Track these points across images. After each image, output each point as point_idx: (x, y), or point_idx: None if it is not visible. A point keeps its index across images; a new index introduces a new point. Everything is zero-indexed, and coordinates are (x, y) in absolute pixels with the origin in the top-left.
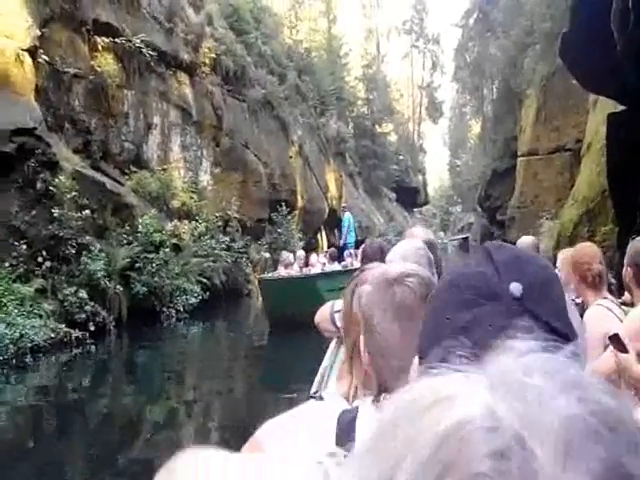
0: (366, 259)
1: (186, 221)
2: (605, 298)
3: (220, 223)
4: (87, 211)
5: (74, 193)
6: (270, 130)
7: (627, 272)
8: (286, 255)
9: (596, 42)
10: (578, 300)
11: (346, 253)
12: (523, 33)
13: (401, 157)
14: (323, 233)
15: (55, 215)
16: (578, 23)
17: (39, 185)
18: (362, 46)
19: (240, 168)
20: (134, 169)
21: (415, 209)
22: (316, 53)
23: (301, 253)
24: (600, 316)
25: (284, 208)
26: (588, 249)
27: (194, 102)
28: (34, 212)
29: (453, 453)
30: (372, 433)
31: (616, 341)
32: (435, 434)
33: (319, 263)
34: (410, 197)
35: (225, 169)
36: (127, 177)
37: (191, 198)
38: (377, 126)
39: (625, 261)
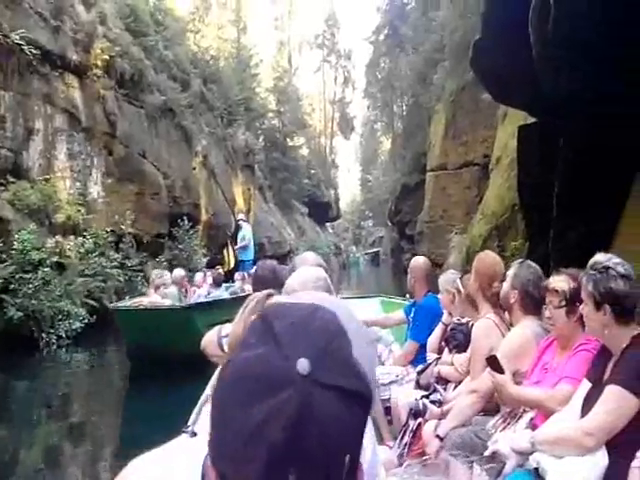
0: (258, 283)
1: (72, 237)
2: (495, 313)
3: (112, 239)
4: None
5: None
6: (171, 139)
7: (511, 294)
8: (157, 274)
9: (509, 50)
10: (463, 320)
11: (237, 275)
12: (433, 49)
13: (313, 171)
14: (230, 249)
15: None
16: (490, 30)
17: None
18: (273, 58)
19: (136, 179)
20: (11, 179)
21: (327, 223)
22: (224, 62)
23: (179, 273)
24: (487, 330)
25: (186, 222)
26: (496, 267)
27: (84, 106)
28: None
29: None
30: None
31: (493, 362)
32: None
33: (206, 284)
34: (322, 211)
35: (119, 180)
36: (3, 188)
37: (78, 211)
38: (288, 139)
39: (509, 283)
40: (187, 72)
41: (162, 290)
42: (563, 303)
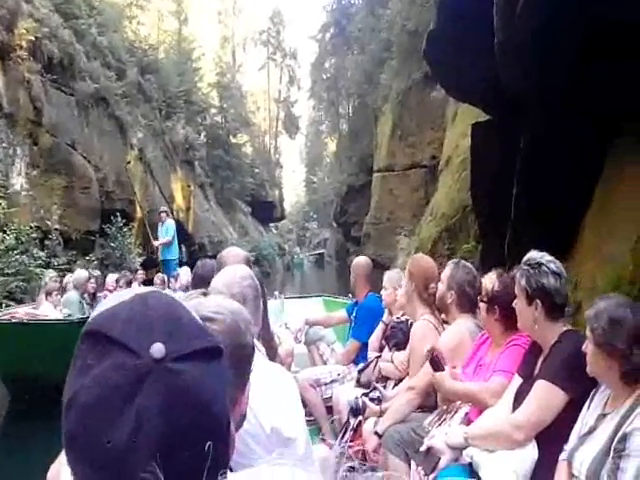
0: (200, 284)
1: None
2: (432, 314)
3: (37, 235)
4: None
5: None
6: (104, 130)
7: (448, 295)
8: (51, 276)
9: (465, 40)
10: (402, 318)
11: (156, 278)
12: (380, 48)
13: (257, 170)
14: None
15: None
16: (445, 19)
17: None
18: (216, 53)
19: (64, 171)
20: None
21: (271, 224)
22: (164, 53)
23: (80, 275)
24: (425, 331)
25: (119, 219)
26: (432, 269)
27: (6, 90)
28: None
29: None
30: None
31: (433, 360)
32: None
33: (119, 288)
34: (266, 212)
35: (45, 171)
36: None
37: None
38: (231, 137)
39: (446, 284)
40: (123, 60)
41: (55, 297)
42: (485, 300)
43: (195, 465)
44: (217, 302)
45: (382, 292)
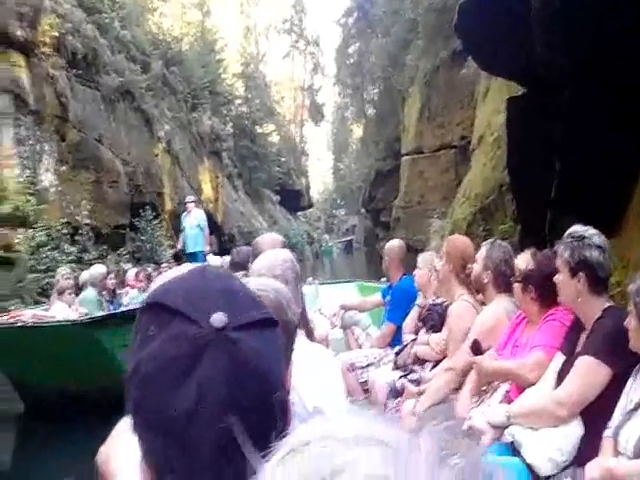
0: (237, 269)
1: (21, 229)
2: (470, 294)
3: (67, 231)
4: None
5: None
6: (131, 124)
7: (484, 275)
8: (63, 273)
9: (499, 10)
10: (438, 300)
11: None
12: (404, 29)
13: (283, 159)
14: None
15: None
16: None
17: None
18: (240, 43)
19: (92, 166)
20: None
21: (299, 212)
22: (188, 45)
23: (97, 270)
24: (463, 311)
25: (149, 212)
26: (469, 249)
27: (31, 87)
28: None
29: None
30: None
31: (475, 346)
32: None
33: (139, 282)
34: (294, 200)
35: (73, 167)
36: None
37: (28, 201)
38: (257, 126)
39: (482, 264)
40: (147, 53)
41: (68, 296)
42: (519, 280)
43: (254, 433)
44: (260, 281)
45: (415, 272)
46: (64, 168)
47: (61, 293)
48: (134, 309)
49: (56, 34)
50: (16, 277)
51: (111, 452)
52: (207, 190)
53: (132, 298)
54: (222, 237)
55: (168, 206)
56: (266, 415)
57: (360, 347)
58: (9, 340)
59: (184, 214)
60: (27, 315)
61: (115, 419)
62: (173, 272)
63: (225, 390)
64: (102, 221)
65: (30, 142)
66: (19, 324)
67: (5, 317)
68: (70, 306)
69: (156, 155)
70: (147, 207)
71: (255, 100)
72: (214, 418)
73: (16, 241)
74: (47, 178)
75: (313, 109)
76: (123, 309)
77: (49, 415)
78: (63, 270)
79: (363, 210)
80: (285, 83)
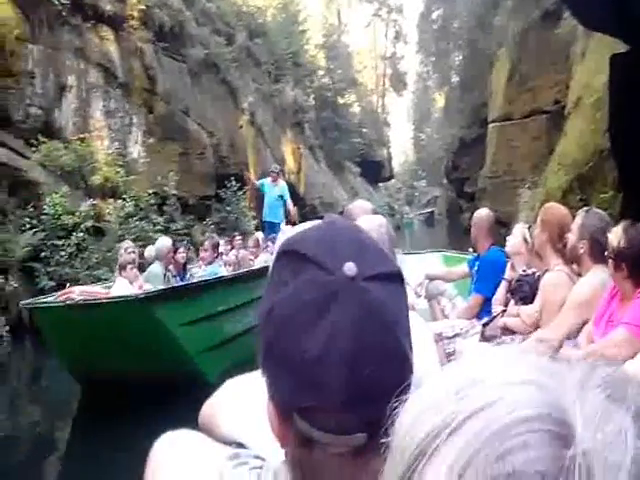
0: None
1: (111, 200)
2: (566, 265)
3: (155, 201)
4: None
5: None
6: (216, 96)
7: (579, 245)
8: (126, 247)
9: None
10: (529, 271)
11: (250, 240)
12: None
13: (365, 130)
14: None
15: None
16: None
17: None
18: (322, 14)
19: (179, 138)
20: (42, 139)
21: (380, 184)
22: (271, 17)
23: (163, 243)
24: (558, 281)
25: (234, 183)
26: (566, 217)
27: (120, 61)
28: None
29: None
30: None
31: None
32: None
33: (205, 252)
34: (374, 171)
35: (161, 139)
36: (34, 149)
37: (117, 173)
38: (339, 97)
39: (577, 233)
40: (232, 25)
41: (130, 271)
42: (612, 256)
43: (377, 382)
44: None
45: (508, 239)
46: (152, 140)
47: (123, 268)
48: (189, 285)
49: (143, 7)
50: (106, 246)
51: (216, 407)
52: (289, 161)
53: (202, 272)
54: (304, 208)
55: (252, 177)
56: (390, 365)
57: (446, 317)
58: (61, 320)
59: (269, 181)
60: (76, 292)
61: (173, 409)
62: (305, 223)
63: (352, 335)
64: (189, 192)
65: (119, 115)
66: (68, 302)
67: (54, 296)
68: (132, 283)
69: (240, 127)
70: (232, 178)
71: (337, 71)
72: (342, 362)
73: (106, 211)
74: (136, 150)
75: (395, 78)
76: (186, 283)
77: (104, 403)
78: (126, 243)
79: (445, 181)
80: (366, 53)
